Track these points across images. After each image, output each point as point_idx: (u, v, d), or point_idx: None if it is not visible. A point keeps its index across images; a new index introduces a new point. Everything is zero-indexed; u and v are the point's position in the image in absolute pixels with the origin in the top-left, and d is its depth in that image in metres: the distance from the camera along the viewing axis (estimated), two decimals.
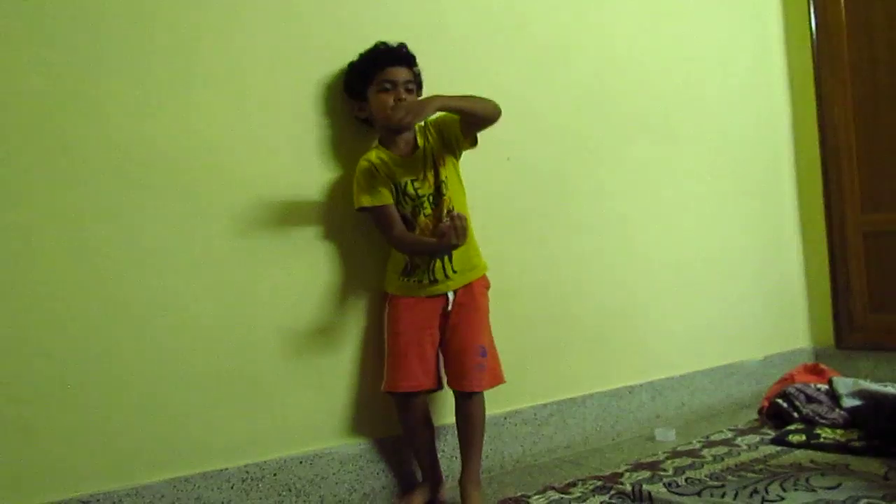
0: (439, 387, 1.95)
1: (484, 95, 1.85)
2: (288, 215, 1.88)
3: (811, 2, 3.34)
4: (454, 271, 1.90)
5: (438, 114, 1.85)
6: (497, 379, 1.93)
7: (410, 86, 1.90)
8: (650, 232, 2.74)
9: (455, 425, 1.95)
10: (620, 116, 2.67)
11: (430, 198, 1.90)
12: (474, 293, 1.94)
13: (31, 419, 1.52)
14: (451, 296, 1.91)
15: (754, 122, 3.23)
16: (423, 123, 1.93)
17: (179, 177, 1.72)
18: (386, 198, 1.87)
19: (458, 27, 2.23)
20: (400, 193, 1.89)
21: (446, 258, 1.88)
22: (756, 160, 3.21)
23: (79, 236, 1.60)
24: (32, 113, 1.55)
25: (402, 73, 1.88)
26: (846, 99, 3.26)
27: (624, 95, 2.68)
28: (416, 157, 1.91)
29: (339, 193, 1.95)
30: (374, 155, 1.89)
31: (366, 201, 1.86)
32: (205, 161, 1.76)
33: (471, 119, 1.85)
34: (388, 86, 1.86)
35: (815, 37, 3.34)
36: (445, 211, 1.87)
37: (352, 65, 1.93)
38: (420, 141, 1.93)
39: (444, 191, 1.90)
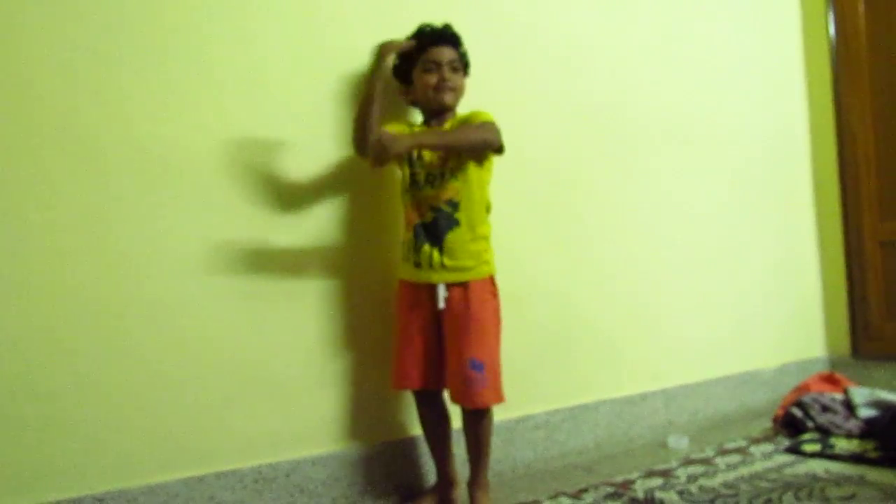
0: (436, 387, 1.88)
1: (491, 109, 1.87)
2: (306, 214, 1.89)
3: (830, 10, 3.32)
4: (443, 265, 1.81)
5: (468, 113, 1.88)
6: (496, 397, 1.81)
7: (456, 65, 1.90)
8: (665, 239, 2.73)
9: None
10: (638, 124, 2.66)
11: (429, 177, 1.85)
12: (470, 299, 1.81)
13: (49, 416, 1.54)
14: (441, 291, 1.82)
15: (772, 130, 3.21)
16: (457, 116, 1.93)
17: (200, 177, 1.74)
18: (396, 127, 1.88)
19: (471, 31, 2.23)
20: (415, 155, 1.86)
21: (436, 249, 1.81)
22: (774, 168, 3.20)
23: (101, 236, 1.61)
24: (55, 114, 1.57)
25: (446, 54, 1.88)
26: (864, 108, 3.24)
27: (641, 103, 2.68)
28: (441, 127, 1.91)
29: (358, 192, 1.96)
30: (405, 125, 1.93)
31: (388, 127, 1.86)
32: (224, 160, 1.78)
33: (456, 153, 1.84)
34: (431, 66, 1.86)
35: (833, 45, 3.32)
36: (427, 205, 1.84)
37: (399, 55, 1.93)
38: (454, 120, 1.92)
39: (448, 179, 1.83)
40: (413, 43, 1.89)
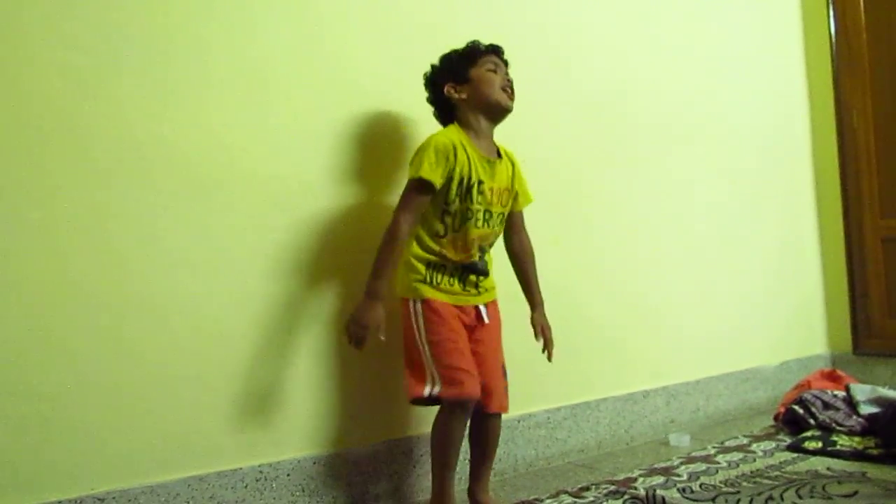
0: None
1: None
2: (307, 216, 1.89)
3: (830, 6, 3.32)
4: (485, 290, 1.87)
5: (521, 173, 1.93)
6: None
7: (509, 79, 1.88)
8: (666, 236, 2.73)
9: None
10: (638, 121, 2.66)
11: (484, 216, 1.80)
12: (496, 315, 1.91)
13: (49, 416, 1.53)
14: (483, 309, 1.85)
15: (773, 126, 3.21)
16: (510, 158, 1.92)
17: (198, 178, 1.74)
18: (437, 181, 1.72)
19: (472, 33, 2.22)
20: (465, 188, 1.76)
21: (481, 278, 1.83)
22: (774, 166, 3.20)
23: (100, 236, 1.61)
24: (53, 114, 1.57)
25: (505, 66, 1.88)
26: (865, 104, 3.24)
27: (641, 100, 2.68)
28: (494, 165, 1.84)
29: (360, 194, 1.96)
30: (451, 138, 1.76)
31: (426, 173, 1.70)
32: (223, 162, 1.77)
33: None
34: (494, 67, 1.84)
35: (834, 41, 3.32)
36: (477, 245, 1.80)
37: (448, 53, 1.88)
38: (504, 158, 1.89)
39: (497, 226, 1.85)
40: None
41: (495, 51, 1.88)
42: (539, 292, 1.99)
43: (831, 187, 3.34)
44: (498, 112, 1.85)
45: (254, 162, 1.82)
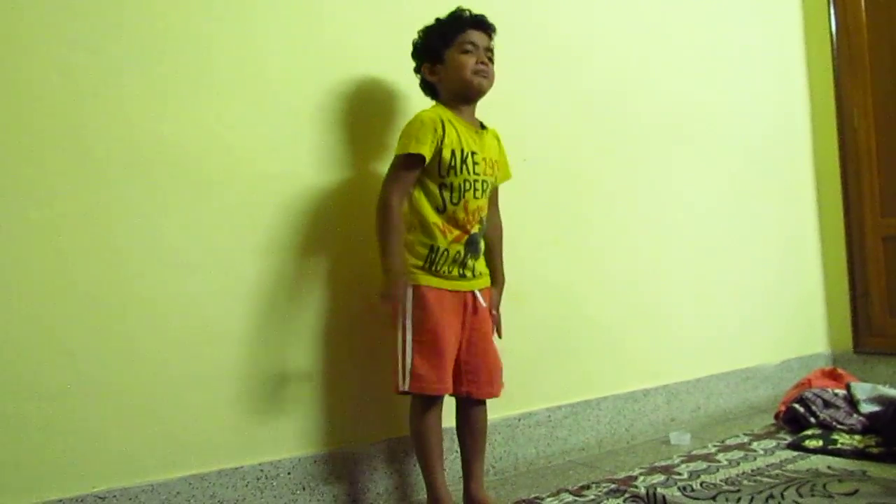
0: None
1: (494, 104, 1.89)
2: (307, 215, 1.89)
3: (831, 5, 3.32)
4: (481, 274, 1.86)
5: (503, 148, 1.94)
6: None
7: (490, 54, 1.85)
8: (667, 235, 2.73)
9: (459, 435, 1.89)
10: (638, 119, 2.66)
11: (482, 185, 1.81)
12: (487, 300, 1.89)
13: (50, 416, 1.54)
14: (479, 294, 1.85)
15: (773, 125, 3.21)
16: (494, 132, 1.93)
17: (199, 177, 1.74)
18: (427, 152, 1.72)
19: None
20: (459, 160, 1.77)
21: (477, 261, 1.83)
22: (775, 163, 3.19)
23: (100, 236, 1.61)
24: (54, 114, 1.57)
25: (484, 39, 1.83)
26: (866, 102, 3.24)
27: (641, 99, 2.68)
28: (482, 136, 1.86)
29: (362, 194, 1.96)
30: (437, 112, 1.79)
31: (413, 148, 1.71)
32: (224, 161, 1.77)
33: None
34: (469, 48, 1.81)
35: (834, 39, 3.32)
36: (477, 217, 1.81)
37: (428, 29, 1.87)
38: (488, 130, 1.90)
39: (487, 196, 1.85)
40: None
41: (475, 24, 1.83)
42: (502, 273, 1.98)
43: (832, 186, 3.34)
44: (471, 95, 1.85)
45: (254, 161, 1.82)
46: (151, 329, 1.66)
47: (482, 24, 1.84)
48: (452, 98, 1.85)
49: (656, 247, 2.69)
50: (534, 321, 2.29)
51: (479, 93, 1.84)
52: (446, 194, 1.77)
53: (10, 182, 1.52)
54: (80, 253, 1.59)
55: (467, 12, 1.85)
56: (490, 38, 1.86)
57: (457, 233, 1.78)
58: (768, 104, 3.19)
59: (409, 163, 1.73)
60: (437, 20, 1.87)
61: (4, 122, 1.52)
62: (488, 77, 1.83)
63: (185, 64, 1.73)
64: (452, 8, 1.86)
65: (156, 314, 1.67)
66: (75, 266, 1.58)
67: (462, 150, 1.77)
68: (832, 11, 3.31)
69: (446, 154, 1.75)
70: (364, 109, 1.99)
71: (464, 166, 1.77)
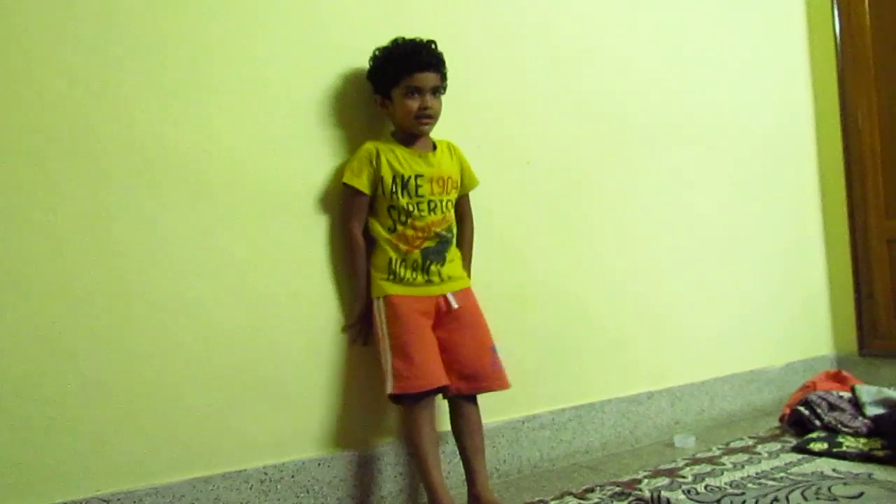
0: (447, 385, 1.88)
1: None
2: (308, 217, 1.89)
3: (835, 6, 3.31)
4: (449, 278, 1.92)
5: (464, 159, 2.00)
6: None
7: (438, 92, 1.90)
8: (670, 237, 2.72)
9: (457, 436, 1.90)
10: (641, 122, 2.66)
11: (429, 204, 1.89)
12: (471, 300, 1.95)
13: (53, 418, 1.54)
14: (451, 297, 1.92)
15: (777, 127, 3.20)
16: (450, 148, 1.99)
17: (201, 179, 1.74)
18: (363, 185, 1.86)
19: (477, 31, 2.23)
20: (400, 185, 1.86)
21: (442, 267, 1.91)
22: (779, 165, 3.19)
23: (103, 238, 1.61)
24: (57, 116, 1.57)
25: (430, 80, 1.87)
26: (870, 104, 3.23)
27: (645, 101, 2.67)
28: (431, 157, 1.92)
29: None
30: (375, 146, 1.89)
31: (347, 179, 1.86)
32: (226, 164, 1.77)
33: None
34: (414, 92, 1.85)
35: (839, 41, 3.31)
36: (431, 231, 1.88)
37: (377, 60, 1.90)
38: (440, 149, 1.95)
39: (448, 208, 1.93)
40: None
41: (422, 66, 1.86)
42: (468, 274, 2.04)
43: (836, 188, 3.33)
44: (415, 136, 1.92)
45: (256, 163, 1.82)
46: (154, 331, 1.66)
47: (428, 65, 1.87)
48: (400, 131, 1.94)
49: (660, 249, 2.68)
50: (537, 324, 2.29)
51: (421, 135, 1.92)
52: (395, 214, 1.88)
53: (13, 184, 1.52)
54: (82, 254, 1.59)
55: (411, 48, 1.87)
56: (438, 72, 1.90)
57: (407, 248, 1.88)
58: (772, 106, 3.19)
59: (350, 193, 1.88)
60: (385, 50, 1.89)
61: (7, 123, 1.52)
62: (432, 119, 1.90)
63: (186, 65, 1.73)
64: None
65: (159, 316, 1.67)
66: (78, 268, 1.58)
67: (403, 176, 1.87)
68: (836, 14, 3.31)
69: (388, 180, 1.86)
70: (364, 110, 1.98)
71: (405, 190, 1.87)
